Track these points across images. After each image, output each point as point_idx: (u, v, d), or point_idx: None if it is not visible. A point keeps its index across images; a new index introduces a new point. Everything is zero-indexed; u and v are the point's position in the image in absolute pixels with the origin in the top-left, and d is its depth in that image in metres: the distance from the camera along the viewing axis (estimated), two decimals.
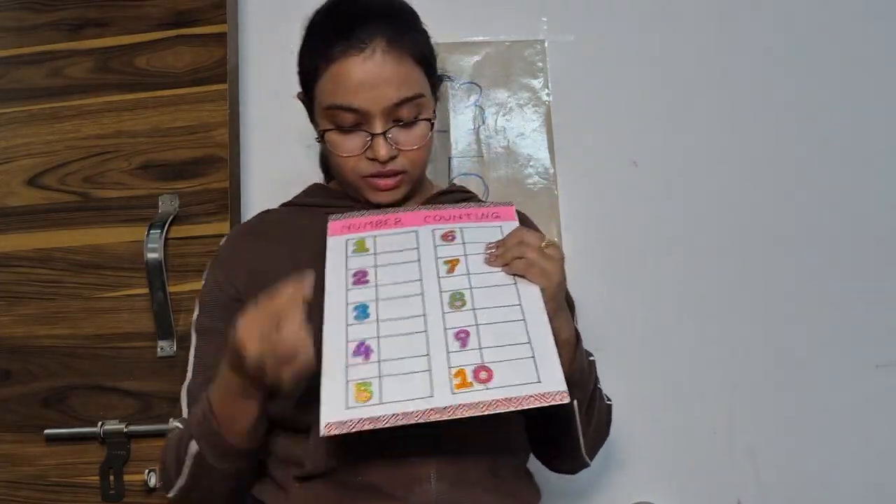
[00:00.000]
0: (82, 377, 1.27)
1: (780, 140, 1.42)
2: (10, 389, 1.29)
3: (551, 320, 0.87)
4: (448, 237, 0.95)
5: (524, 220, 1.06)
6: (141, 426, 1.24)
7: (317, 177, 1.40)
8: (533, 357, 0.82)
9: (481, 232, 0.95)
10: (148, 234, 1.25)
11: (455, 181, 1.40)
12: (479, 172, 1.41)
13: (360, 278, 0.91)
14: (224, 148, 1.31)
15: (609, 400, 1.06)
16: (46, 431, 1.26)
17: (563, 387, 0.79)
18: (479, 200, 1.11)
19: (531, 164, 1.41)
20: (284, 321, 0.78)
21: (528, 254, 0.87)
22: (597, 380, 1.01)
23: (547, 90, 1.43)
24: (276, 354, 0.78)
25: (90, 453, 1.25)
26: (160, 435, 1.23)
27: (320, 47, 0.97)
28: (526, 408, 0.79)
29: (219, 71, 1.32)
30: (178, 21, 1.36)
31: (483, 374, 0.81)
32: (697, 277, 1.38)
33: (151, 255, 1.25)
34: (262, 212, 1.09)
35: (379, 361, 0.83)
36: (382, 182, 0.98)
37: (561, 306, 0.90)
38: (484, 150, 1.42)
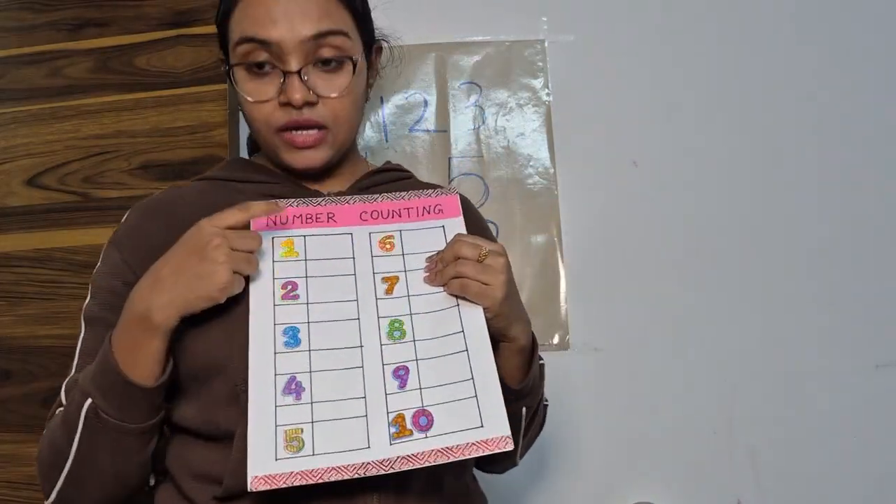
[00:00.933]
0: None
1: (781, 139, 1.42)
2: (10, 389, 1.29)
3: (506, 331, 0.83)
4: (386, 245, 0.86)
5: (469, 210, 0.97)
6: None
7: None
8: (475, 396, 0.76)
9: (422, 237, 0.86)
10: None
11: (454, 181, 1.40)
12: (479, 172, 1.41)
13: (290, 292, 0.81)
14: (224, 148, 1.31)
15: (546, 401, 1.01)
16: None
17: (507, 431, 0.74)
18: (418, 181, 1.04)
19: (531, 164, 1.41)
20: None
21: (464, 271, 0.79)
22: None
23: (547, 90, 1.43)
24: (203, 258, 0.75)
25: None
26: None
27: None
28: (468, 457, 0.74)
29: (219, 71, 1.32)
30: (178, 21, 1.35)
31: (423, 420, 0.75)
32: (697, 277, 1.38)
33: None
34: (171, 187, 0.98)
35: (311, 403, 0.75)
36: (300, 137, 0.87)
37: (513, 316, 0.84)
38: (484, 150, 1.42)
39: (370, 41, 0.95)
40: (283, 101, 0.85)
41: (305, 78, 0.85)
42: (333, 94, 0.87)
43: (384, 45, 1.00)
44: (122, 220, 0.92)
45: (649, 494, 1.32)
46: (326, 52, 0.86)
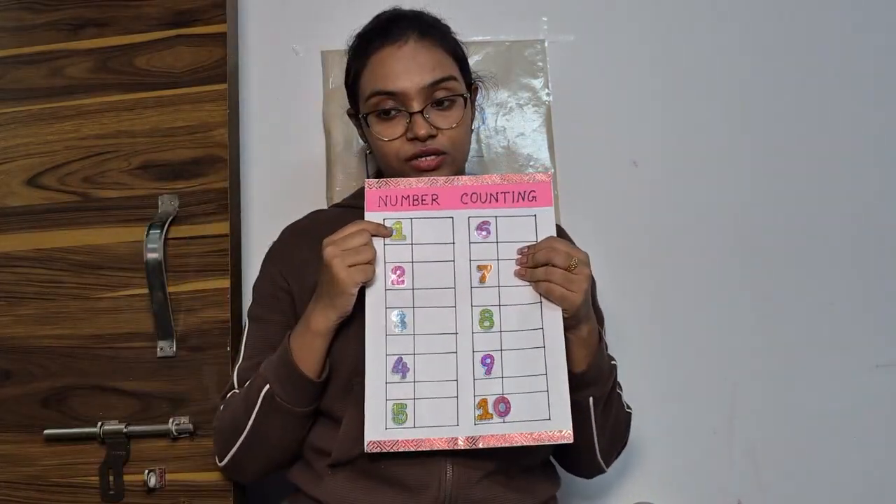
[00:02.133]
0: (82, 377, 1.27)
1: (780, 140, 1.42)
2: (10, 389, 1.29)
3: (576, 327, 0.95)
4: (483, 229, 0.97)
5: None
6: (141, 426, 1.24)
7: (315, 178, 1.41)
8: (547, 391, 0.90)
9: (515, 225, 0.97)
10: (147, 234, 1.25)
11: None
12: (480, 172, 1.41)
13: (398, 277, 0.95)
14: (224, 148, 1.30)
15: (629, 408, 1.10)
16: (46, 431, 1.26)
17: (569, 426, 0.90)
18: None
19: (531, 164, 1.41)
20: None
21: (552, 278, 0.92)
22: (617, 385, 1.05)
23: (547, 90, 1.43)
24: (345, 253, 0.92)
25: (90, 453, 1.25)
26: (160, 435, 1.23)
27: (362, 49, 1.08)
28: (535, 444, 0.90)
29: (218, 71, 1.32)
30: (178, 21, 1.35)
31: (502, 406, 0.90)
32: (697, 277, 1.38)
33: (151, 256, 1.24)
34: (313, 212, 1.18)
35: (414, 382, 0.92)
36: (424, 162, 1.03)
37: (583, 317, 0.95)
38: (484, 150, 1.42)
39: (469, 82, 1.13)
40: (411, 137, 1.03)
41: (427, 116, 1.03)
42: (450, 126, 1.04)
43: (479, 85, 1.17)
44: (276, 239, 1.15)
45: (649, 494, 1.32)
46: (441, 94, 1.04)
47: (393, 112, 1.04)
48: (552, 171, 1.40)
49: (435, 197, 0.98)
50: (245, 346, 1.09)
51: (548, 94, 1.43)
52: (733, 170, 1.41)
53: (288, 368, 0.97)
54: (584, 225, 1.39)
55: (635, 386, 1.34)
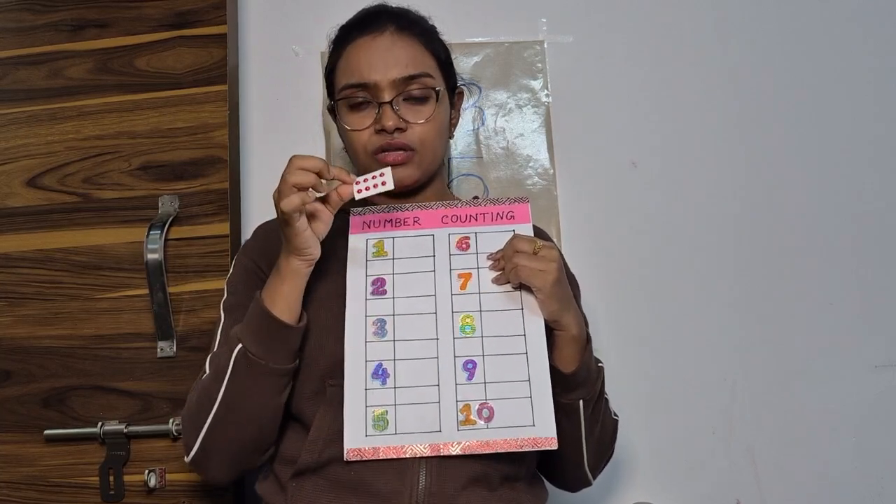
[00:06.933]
0: (82, 377, 1.28)
1: (780, 140, 1.42)
2: (10, 389, 1.29)
3: (559, 317, 0.93)
4: (462, 245, 0.98)
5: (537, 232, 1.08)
6: (141, 426, 1.24)
7: None
8: (530, 397, 0.89)
9: (495, 239, 0.98)
10: (148, 234, 1.26)
11: (455, 182, 1.40)
12: (479, 173, 1.41)
13: (379, 287, 0.96)
14: (224, 149, 1.31)
15: (616, 416, 1.08)
16: (46, 432, 1.26)
17: (553, 433, 0.88)
18: None
19: (530, 164, 1.41)
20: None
21: (520, 261, 0.91)
22: (604, 390, 1.03)
23: (546, 91, 1.43)
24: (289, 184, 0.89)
25: (90, 453, 1.26)
26: (160, 435, 1.24)
27: (340, 40, 1.08)
28: (518, 450, 0.88)
29: (219, 72, 1.32)
30: (178, 22, 1.36)
31: (486, 412, 0.89)
32: (697, 277, 1.38)
33: (151, 256, 1.25)
34: None
35: (395, 388, 0.90)
36: (391, 156, 1.01)
37: (565, 304, 0.94)
38: (483, 151, 1.42)
39: (453, 85, 1.11)
40: (378, 128, 1.01)
41: (397, 108, 1.01)
42: (420, 121, 1.02)
43: (464, 90, 1.16)
44: (249, 237, 1.13)
45: (648, 495, 1.32)
46: (413, 90, 1.02)
47: (364, 104, 1.02)
48: (552, 170, 1.41)
49: (416, 219, 1.00)
50: (220, 335, 1.02)
51: (547, 95, 1.43)
52: (732, 169, 1.41)
53: (260, 316, 0.92)
54: (583, 225, 1.40)
55: (634, 386, 1.34)
